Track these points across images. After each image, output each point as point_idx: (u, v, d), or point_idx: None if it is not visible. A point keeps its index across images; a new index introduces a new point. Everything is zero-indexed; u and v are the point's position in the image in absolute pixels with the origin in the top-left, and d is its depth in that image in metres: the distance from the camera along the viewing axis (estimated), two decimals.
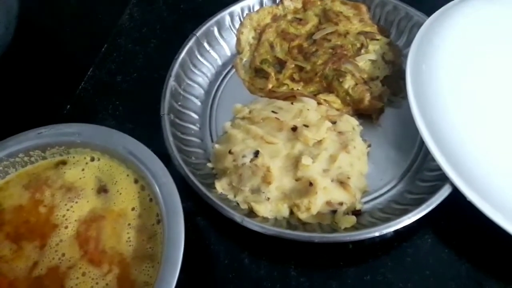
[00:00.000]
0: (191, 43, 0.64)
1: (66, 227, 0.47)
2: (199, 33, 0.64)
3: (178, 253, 0.42)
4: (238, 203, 0.53)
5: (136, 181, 0.49)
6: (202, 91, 0.64)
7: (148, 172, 0.47)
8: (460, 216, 0.52)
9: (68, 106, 0.63)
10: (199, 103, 0.63)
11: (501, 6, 0.60)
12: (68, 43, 0.72)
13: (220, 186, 0.54)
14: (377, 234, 0.47)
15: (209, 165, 0.57)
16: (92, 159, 0.51)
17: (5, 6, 0.62)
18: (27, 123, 0.53)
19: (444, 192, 0.50)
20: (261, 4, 0.69)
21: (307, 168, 0.52)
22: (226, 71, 0.67)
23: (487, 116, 0.51)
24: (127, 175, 0.50)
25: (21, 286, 0.44)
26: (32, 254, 0.46)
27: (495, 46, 0.56)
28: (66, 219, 0.48)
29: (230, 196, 0.54)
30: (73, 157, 0.51)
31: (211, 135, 0.61)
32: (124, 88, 0.65)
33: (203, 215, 0.55)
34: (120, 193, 0.49)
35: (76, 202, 0.48)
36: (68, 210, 0.48)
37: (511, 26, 0.57)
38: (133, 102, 0.64)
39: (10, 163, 0.50)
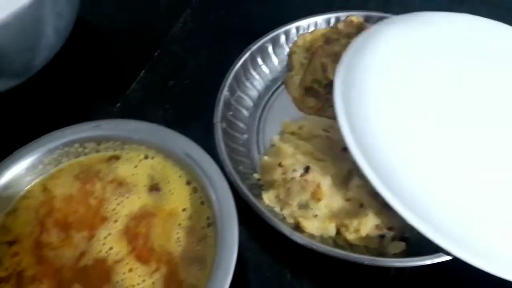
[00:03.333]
0: (246, 56, 0.64)
1: (115, 221, 0.47)
2: (254, 48, 0.66)
3: (231, 258, 0.41)
4: (284, 217, 0.53)
5: (188, 183, 0.49)
6: (251, 104, 0.65)
7: (203, 175, 0.47)
8: None
9: (118, 104, 0.64)
10: (247, 115, 0.64)
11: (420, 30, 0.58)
12: (121, 45, 0.73)
13: (267, 197, 0.54)
14: (428, 262, 0.46)
15: (256, 175, 0.57)
16: (146, 157, 0.51)
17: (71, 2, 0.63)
18: (77, 117, 0.54)
19: None
20: (315, 25, 0.71)
21: (358, 190, 0.52)
22: (276, 86, 0.67)
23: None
24: (180, 176, 0.49)
25: (67, 274, 0.44)
26: (80, 244, 0.45)
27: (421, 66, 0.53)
28: (116, 213, 0.47)
29: (277, 209, 0.53)
30: (127, 153, 0.51)
31: (258, 147, 0.61)
32: (175, 93, 0.66)
33: (246, 225, 0.54)
34: (172, 193, 0.49)
35: (127, 198, 0.48)
36: (118, 204, 0.48)
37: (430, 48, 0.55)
38: (183, 107, 0.64)
39: (65, 152, 0.50)
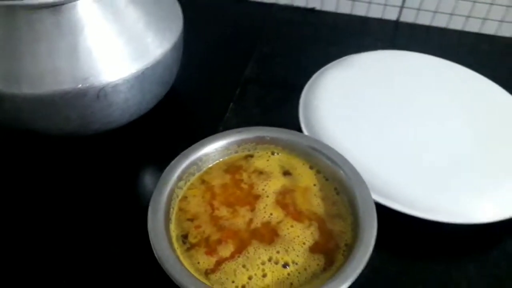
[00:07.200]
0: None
1: (267, 196, 0.62)
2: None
3: (372, 208, 0.57)
4: None
5: (311, 167, 0.65)
6: None
7: (325, 160, 0.64)
8: None
9: (221, 128, 0.80)
10: None
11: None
12: (212, 87, 0.91)
13: None
14: None
15: None
16: (273, 153, 0.67)
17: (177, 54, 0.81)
18: (193, 136, 0.69)
19: None
20: None
21: None
22: None
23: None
24: (303, 164, 0.66)
25: (243, 234, 0.57)
26: (246, 214, 0.60)
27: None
28: (265, 191, 0.62)
29: None
30: (258, 152, 0.67)
31: None
32: (259, 117, 0.83)
33: None
34: (301, 176, 0.64)
35: (270, 180, 0.64)
36: (265, 186, 0.63)
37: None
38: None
39: (217, 153, 0.65)
